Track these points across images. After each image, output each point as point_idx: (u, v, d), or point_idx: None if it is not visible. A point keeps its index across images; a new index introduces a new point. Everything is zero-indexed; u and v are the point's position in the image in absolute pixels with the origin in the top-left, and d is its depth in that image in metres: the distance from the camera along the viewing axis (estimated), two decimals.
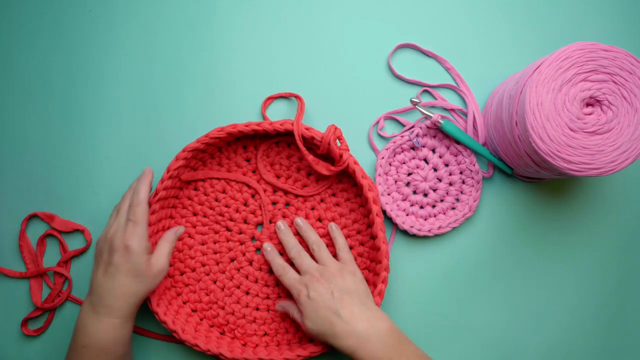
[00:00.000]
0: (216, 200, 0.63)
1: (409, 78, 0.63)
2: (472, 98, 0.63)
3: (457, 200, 0.62)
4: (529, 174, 0.60)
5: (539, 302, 0.63)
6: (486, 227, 0.63)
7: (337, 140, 0.58)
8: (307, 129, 0.58)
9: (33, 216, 0.65)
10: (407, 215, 0.62)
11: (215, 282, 0.63)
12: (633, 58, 0.50)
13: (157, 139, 0.64)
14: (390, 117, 0.64)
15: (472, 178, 0.62)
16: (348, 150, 0.58)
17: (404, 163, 0.63)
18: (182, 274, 0.63)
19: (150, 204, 0.58)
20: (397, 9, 0.64)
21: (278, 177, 0.63)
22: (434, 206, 0.63)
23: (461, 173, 0.62)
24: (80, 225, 0.64)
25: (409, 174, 0.63)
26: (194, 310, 0.63)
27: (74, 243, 0.65)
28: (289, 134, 0.61)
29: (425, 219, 0.63)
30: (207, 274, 0.63)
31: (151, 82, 0.65)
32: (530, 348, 0.63)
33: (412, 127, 0.62)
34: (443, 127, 0.60)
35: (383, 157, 0.62)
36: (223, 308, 0.63)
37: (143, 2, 0.66)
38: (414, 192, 0.63)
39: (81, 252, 0.65)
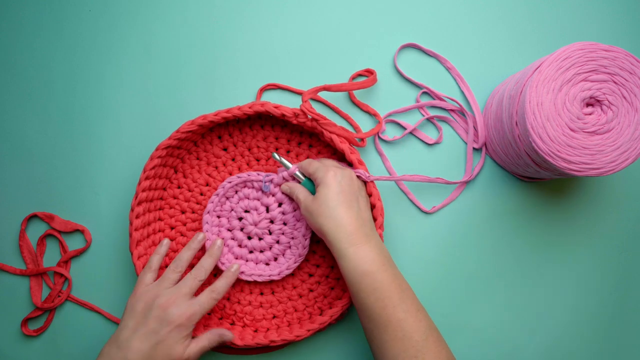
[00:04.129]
0: (201, 194, 0.64)
1: (410, 78, 0.63)
2: (472, 98, 0.63)
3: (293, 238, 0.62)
4: (529, 174, 0.60)
5: (539, 302, 0.63)
6: (486, 227, 0.63)
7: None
8: (275, 107, 0.58)
9: (33, 216, 0.65)
10: (237, 258, 0.63)
11: (215, 274, 0.63)
12: (633, 58, 0.50)
13: (157, 139, 0.64)
14: (390, 120, 0.64)
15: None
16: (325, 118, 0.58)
17: (247, 198, 0.62)
18: None
19: (132, 208, 0.59)
20: (398, 9, 0.64)
21: (258, 160, 0.63)
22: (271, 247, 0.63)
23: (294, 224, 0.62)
24: (80, 225, 0.64)
25: (240, 219, 0.62)
26: None
27: (74, 243, 0.65)
28: (261, 116, 0.61)
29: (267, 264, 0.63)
30: None
31: (151, 81, 0.65)
32: (530, 348, 0.63)
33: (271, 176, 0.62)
34: (304, 184, 0.59)
35: (231, 181, 0.61)
36: (228, 299, 0.63)
37: (143, 2, 0.66)
38: (249, 238, 0.63)
39: (81, 252, 0.65)
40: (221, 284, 0.57)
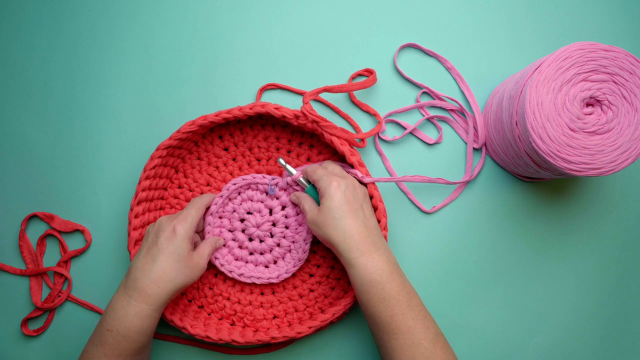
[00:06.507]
0: (202, 194, 0.63)
1: (410, 78, 0.63)
2: (472, 98, 0.63)
3: (293, 242, 0.63)
4: (529, 174, 0.60)
5: (539, 302, 0.63)
6: (486, 227, 0.63)
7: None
8: (276, 108, 0.58)
9: (33, 216, 0.65)
10: (237, 260, 0.63)
11: (216, 274, 0.63)
12: (633, 58, 0.50)
13: (157, 139, 0.64)
14: (390, 120, 0.64)
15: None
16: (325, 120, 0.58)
17: (250, 200, 0.62)
18: None
19: (132, 207, 0.59)
20: (398, 9, 0.64)
21: (259, 160, 0.63)
22: (271, 250, 0.63)
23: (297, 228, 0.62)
24: (80, 225, 0.64)
25: (242, 220, 0.62)
26: (200, 307, 0.63)
27: (74, 243, 0.65)
28: (262, 116, 0.61)
29: (266, 266, 0.63)
30: (207, 269, 0.63)
31: (151, 81, 0.65)
32: (530, 348, 0.63)
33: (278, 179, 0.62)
34: (308, 191, 0.59)
35: (235, 183, 0.61)
36: (228, 299, 0.63)
37: (143, 2, 0.66)
38: (250, 239, 0.63)
39: (81, 252, 0.65)
40: (202, 198, 0.60)
